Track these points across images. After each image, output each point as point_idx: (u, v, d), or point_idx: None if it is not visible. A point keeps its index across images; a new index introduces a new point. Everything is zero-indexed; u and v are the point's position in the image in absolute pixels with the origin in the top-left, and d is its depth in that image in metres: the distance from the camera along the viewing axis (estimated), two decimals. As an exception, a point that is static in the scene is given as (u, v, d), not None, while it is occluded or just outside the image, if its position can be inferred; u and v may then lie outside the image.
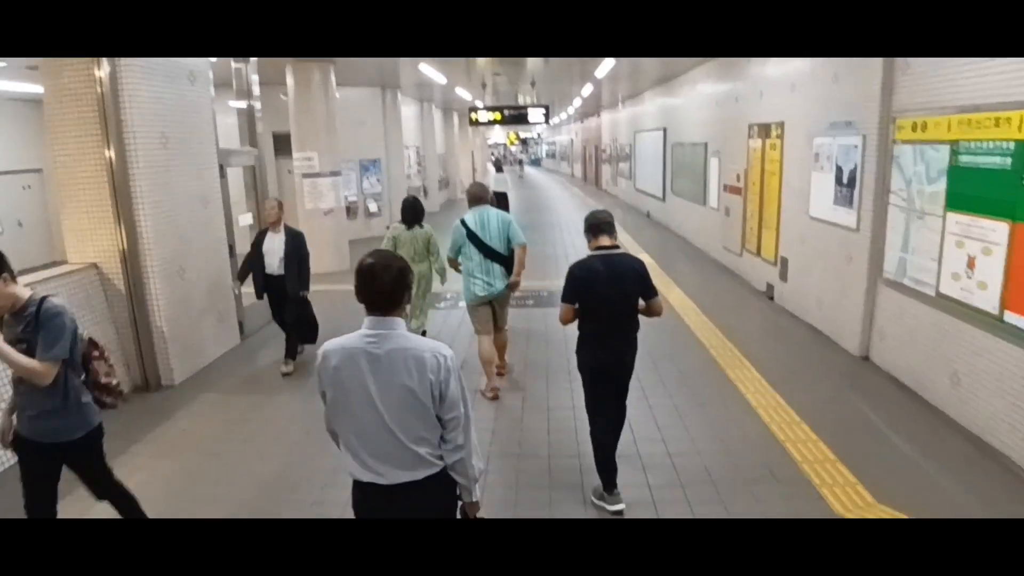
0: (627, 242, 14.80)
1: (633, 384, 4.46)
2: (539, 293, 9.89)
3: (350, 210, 16.13)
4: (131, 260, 6.29)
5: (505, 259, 5.97)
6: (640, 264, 4.19)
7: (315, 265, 7.26)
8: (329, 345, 2.49)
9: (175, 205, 6.69)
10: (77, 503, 3.78)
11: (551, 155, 62.24)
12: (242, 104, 8.94)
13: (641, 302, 4.15)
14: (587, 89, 18.85)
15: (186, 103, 6.91)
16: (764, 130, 9.51)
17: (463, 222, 5.97)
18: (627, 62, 13.41)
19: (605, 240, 4.16)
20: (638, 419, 5.40)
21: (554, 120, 45.10)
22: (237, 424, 5.72)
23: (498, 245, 5.91)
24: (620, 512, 4.15)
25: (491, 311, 6.09)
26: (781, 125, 8.88)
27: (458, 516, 2.68)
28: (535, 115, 16.83)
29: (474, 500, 2.65)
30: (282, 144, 13.64)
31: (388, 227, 8.39)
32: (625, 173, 23.99)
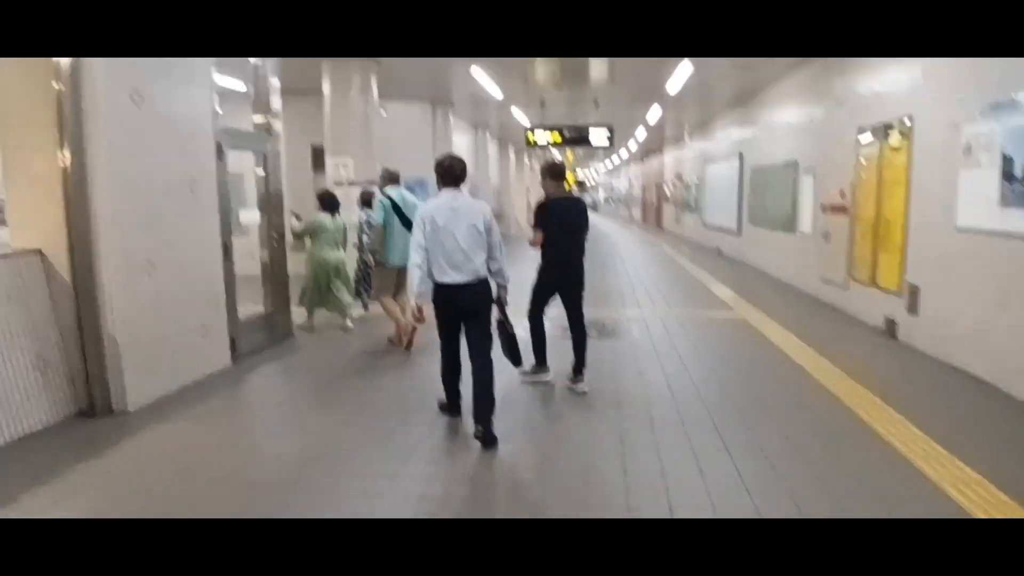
0: (701, 278, 13.07)
1: (748, 444, 4.13)
2: (603, 324, 8.24)
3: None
4: (79, 245, 4.89)
5: None
6: (586, 205, 5.99)
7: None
8: (429, 205, 4.51)
9: (147, 182, 5.30)
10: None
11: (608, 200, 60.83)
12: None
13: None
14: (653, 114, 17.29)
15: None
16: (882, 131, 7.77)
17: (389, 197, 6.77)
18: (701, 75, 11.86)
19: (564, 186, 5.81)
20: (769, 492, 3.68)
21: (609, 163, 44.05)
22: (181, 475, 4.09)
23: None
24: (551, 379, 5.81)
25: (396, 277, 6.89)
26: (908, 120, 7.14)
27: (493, 307, 4.68)
28: (598, 136, 15.29)
29: (505, 294, 4.82)
30: (322, 157, 12.42)
31: (297, 216, 8.22)
32: (691, 209, 22.27)
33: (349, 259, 7.93)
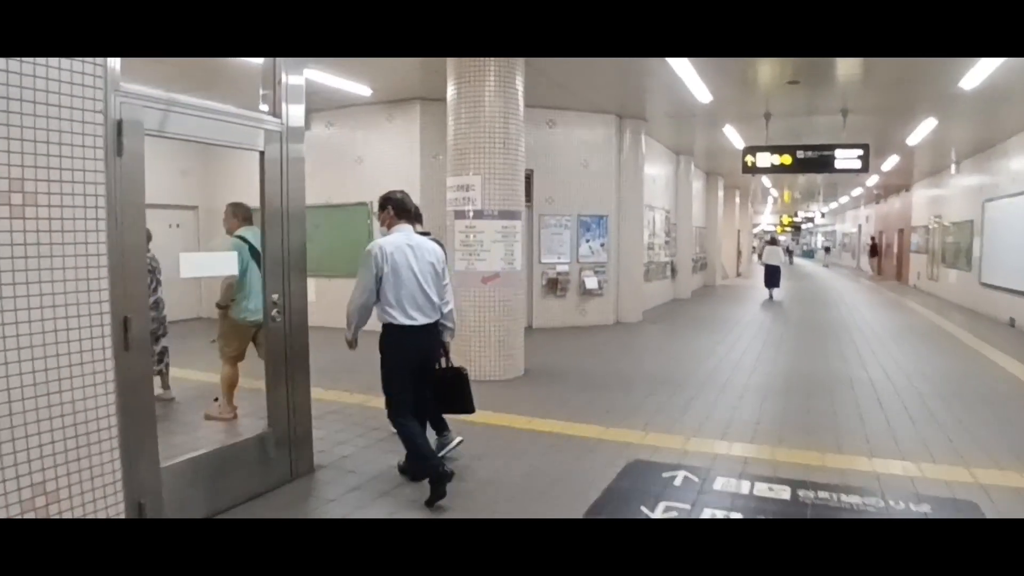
0: (1011, 369, 8.49)
1: None
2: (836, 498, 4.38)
3: (556, 284, 11.50)
4: None
5: None
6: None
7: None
8: (383, 243, 4.10)
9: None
10: None
11: (827, 246, 53.79)
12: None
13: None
14: (924, 127, 12.64)
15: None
16: None
17: (243, 239, 5.49)
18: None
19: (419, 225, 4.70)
20: None
21: (834, 203, 37.80)
22: None
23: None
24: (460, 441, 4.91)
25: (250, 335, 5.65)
26: None
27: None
28: (846, 159, 11.09)
29: (451, 338, 4.59)
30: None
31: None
32: (959, 262, 16.92)
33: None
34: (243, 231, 5.59)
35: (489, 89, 7.30)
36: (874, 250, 31.64)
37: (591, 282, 11.79)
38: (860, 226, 37.76)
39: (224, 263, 4.85)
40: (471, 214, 7.35)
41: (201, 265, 4.61)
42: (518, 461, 4.85)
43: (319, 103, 11.22)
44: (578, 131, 11.74)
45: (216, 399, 5.82)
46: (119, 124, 3.24)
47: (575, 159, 11.69)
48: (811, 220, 47.95)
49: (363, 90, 10.16)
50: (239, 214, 5.70)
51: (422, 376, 4.33)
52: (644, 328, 12.02)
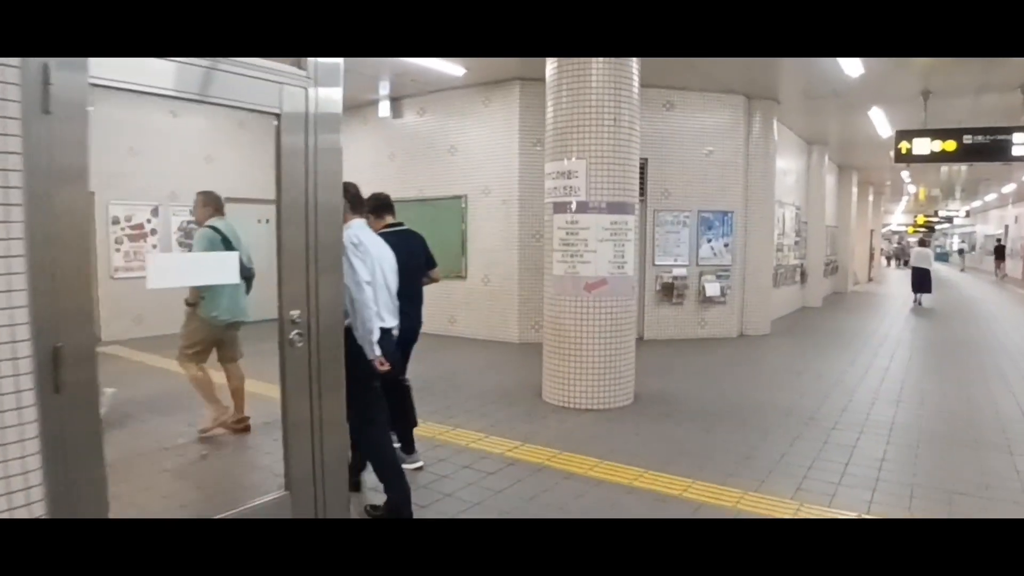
0: None
1: None
2: None
3: (672, 290, 10.05)
4: None
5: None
6: (422, 237, 4.82)
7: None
8: (364, 236, 3.70)
9: None
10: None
11: (961, 248, 48.81)
12: None
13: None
14: None
15: None
16: None
17: (215, 229, 5.07)
18: None
19: (390, 218, 4.60)
20: None
21: (977, 201, 33.80)
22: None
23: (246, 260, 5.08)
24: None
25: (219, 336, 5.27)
26: None
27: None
28: (1028, 143, 9.11)
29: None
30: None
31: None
32: None
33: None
34: (214, 221, 5.18)
35: (597, 59, 6.00)
36: (1000, 252, 30.39)
37: (712, 288, 10.24)
38: (1007, 226, 33.72)
39: (215, 266, 3.74)
40: (573, 206, 6.05)
41: (180, 269, 3.42)
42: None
43: (410, 89, 10.27)
44: (700, 114, 10.20)
45: (202, 432, 5.29)
46: (45, 69, 2.19)
47: (696, 146, 10.17)
48: (949, 220, 43.38)
49: (456, 70, 9.08)
50: (210, 203, 5.29)
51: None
52: (773, 343, 10.35)
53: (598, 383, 6.12)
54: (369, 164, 10.99)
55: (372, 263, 3.68)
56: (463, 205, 10.17)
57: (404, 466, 4.07)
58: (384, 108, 10.81)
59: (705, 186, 10.23)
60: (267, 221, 11.37)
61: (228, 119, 9.68)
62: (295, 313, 3.08)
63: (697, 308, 10.29)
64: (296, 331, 3.09)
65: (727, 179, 10.41)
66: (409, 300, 4.37)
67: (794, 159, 14.46)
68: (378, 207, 4.53)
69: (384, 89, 10.41)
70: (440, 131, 10.47)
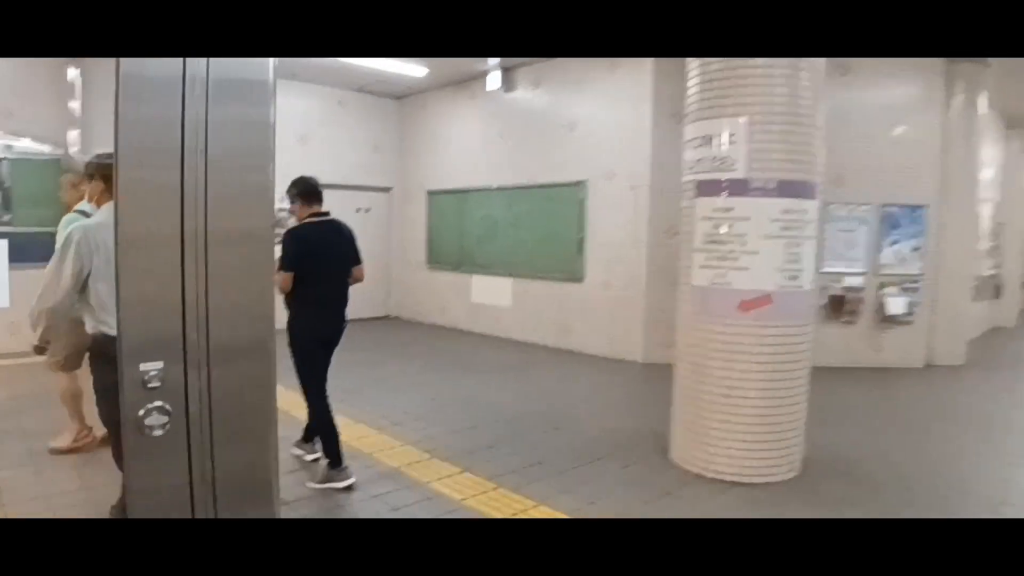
0: None
1: None
2: None
3: (843, 304, 7.98)
4: None
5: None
6: (351, 229, 4.41)
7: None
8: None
9: None
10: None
11: None
12: None
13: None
14: None
15: None
16: None
17: (85, 214, 4.19)
18: None
19: (317, 207, 4.28)
20: None
21: None
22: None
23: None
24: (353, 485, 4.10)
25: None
26: None
27: None
28: None
29: None
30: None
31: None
32: None
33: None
34: (84, 205, 4.44)
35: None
36: None
37: (896, 304, 8.02)
38: None
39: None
40: (725, 186, 4.27)
41: None
42: None
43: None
44: (884, 82, 8.03)
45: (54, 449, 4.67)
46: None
47: (878, 123, 8.00)
48: None
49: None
50: (79, 184, 4.73)
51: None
52: (973, 377, 8.00)
53: (752, 445, 4.28)
54: (479, 145, 9.65)
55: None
56: (582, 193, 8.54)
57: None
58: (494, 80, 9.36)
59: (889, 174, 8.05)
60: (367, 210, 10.19)
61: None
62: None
63: (873, 328, 8.12)
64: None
65: (918, 165, 8.17)
66: (338, 301, 4.31)
67: (989, 145, 11.80)
68: (307, 192, 4.26)
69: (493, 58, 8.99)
70: (556, 105, 8.89)
